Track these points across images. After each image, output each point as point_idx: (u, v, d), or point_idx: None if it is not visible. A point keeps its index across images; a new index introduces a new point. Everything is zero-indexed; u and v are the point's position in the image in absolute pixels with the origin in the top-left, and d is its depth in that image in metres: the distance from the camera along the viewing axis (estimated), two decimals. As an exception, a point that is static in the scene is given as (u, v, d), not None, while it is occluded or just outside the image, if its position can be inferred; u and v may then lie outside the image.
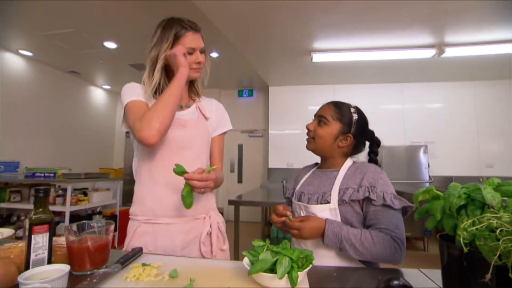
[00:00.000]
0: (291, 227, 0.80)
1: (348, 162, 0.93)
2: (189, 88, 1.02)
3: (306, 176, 1.00)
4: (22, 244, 0.67)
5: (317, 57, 3.33)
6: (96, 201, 3.15)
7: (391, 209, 0.79)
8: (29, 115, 3.82)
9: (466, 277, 0.51)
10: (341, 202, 0.83)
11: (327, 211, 0.84)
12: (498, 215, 0.41)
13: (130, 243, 0.88)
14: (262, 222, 3.79)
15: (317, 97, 4.59)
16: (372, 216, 0.81)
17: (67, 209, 2.73)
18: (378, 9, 2.35)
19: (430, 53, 3.12)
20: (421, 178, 3.83)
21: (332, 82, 4.45)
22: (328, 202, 0.84)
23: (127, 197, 4.42)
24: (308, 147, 0.97)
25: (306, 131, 0.97)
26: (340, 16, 2.49)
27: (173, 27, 0.89)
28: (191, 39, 0.89)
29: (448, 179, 4.01)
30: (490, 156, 4.09)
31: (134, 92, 0.89)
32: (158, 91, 0.91)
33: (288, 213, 0.84)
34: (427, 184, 3.79)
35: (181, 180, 0.82)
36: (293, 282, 0.53)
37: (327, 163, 0.96)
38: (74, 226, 0.71)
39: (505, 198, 0.51)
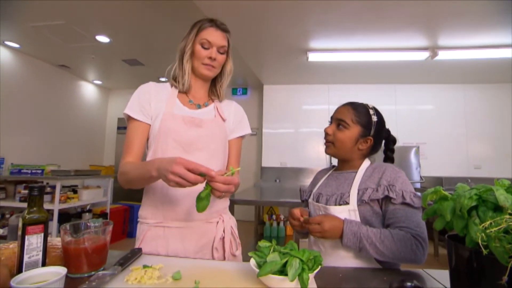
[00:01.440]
0: (312, 222, 0.79)
1: (366, 163, 0.92)
2: (210, 88, 0.99)
3: (323, 178, 0.99)
4: (13, 245, 0.63)
5: (313, 57, 3.33)
6: (86, 199, 3.07)
7: (411, 207, 0.78)
8: (15, 109, 3.67)
9: (476, 279, 0.51)
10: (360, 202, 0.82)
11: (346, 212, 0.83)
12: (516, 217, 0.41)
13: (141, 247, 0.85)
14: (256, 221, 3.77)
15: (311, 97, 4.60)
16: (391, 215, 0.80)
17: (56, 207, 2.64)
18: (376, 9, 2.37)
19: (423, 55, 3.16)
20: (412, 178, 3.89)
21: (327, 81, 4.47)
22: (347, 203, 0.83)
23: (118, 194, 4.33)
24: (327, 152, 0.95)
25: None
26: (337, 16, 2.49)
27: (201, 21, 0.91)
28: (209, 32, 0.89)
29: (438, 180, 4.10)
30: (478, 157, 4.20)
31: (140, 104, 0.87)
32: (186, 81, 0.92)
33: (302, 218, 0.84)
34: (418, 185, 3.86)
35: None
36: (303, 284, 0.51)
37: (345, 165, 0.96)
38: (70, 226, 0.68)
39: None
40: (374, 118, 0.92)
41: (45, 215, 0.62)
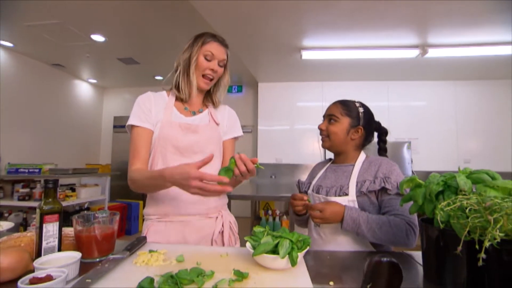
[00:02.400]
0: (314, 208, 0.85)
1: (362, 156, 1.00)
2: (204, 96, 1.05)
3: (321, 171, 1.07)
4: (31, 234, 0.69)
5: (306, 55, 3.39)
6: (84, 197, 3.11)
7: None
8: (10, 108, 3.66)
9: (442, 254, 0.59)
10: (359, 193, 0.90)
11: (345, 203, 0.90)
12: (468, 197, 0.48)
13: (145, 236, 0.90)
14: (252, 217, 3.85)
15: (305, 94, 4.67)
16: (387, 204, 0.88)
17: (55, 205, 2.68)
18: (368, 9, 2.43)
19: (414, 53, 3.25)
20: (404, 173, 3.99)
21: (321, 79, 4.54)
22: (347, 194, 0.91)
23: (116, 193, 4.36)
24: (323, 146, 1.04)
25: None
26: (331, 15, 2.56)
27: (204, 36, 0.98)
28: (213, 46, 0.97)
29: (430, 174, 4.22)
30: (467, 152, 4.34)
31: (142, 112, 0.93)
32: (193, 92, 0.97)
33: (306, 197, 0.91)
34: (410, 179, 3.98)
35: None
36: (293, 261, 0.58)
37: (341, 158, 1.03)
38: (81, 217, 0.74)
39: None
40: (361, 109, 1.00)
41: (59, 206, 0.68)
